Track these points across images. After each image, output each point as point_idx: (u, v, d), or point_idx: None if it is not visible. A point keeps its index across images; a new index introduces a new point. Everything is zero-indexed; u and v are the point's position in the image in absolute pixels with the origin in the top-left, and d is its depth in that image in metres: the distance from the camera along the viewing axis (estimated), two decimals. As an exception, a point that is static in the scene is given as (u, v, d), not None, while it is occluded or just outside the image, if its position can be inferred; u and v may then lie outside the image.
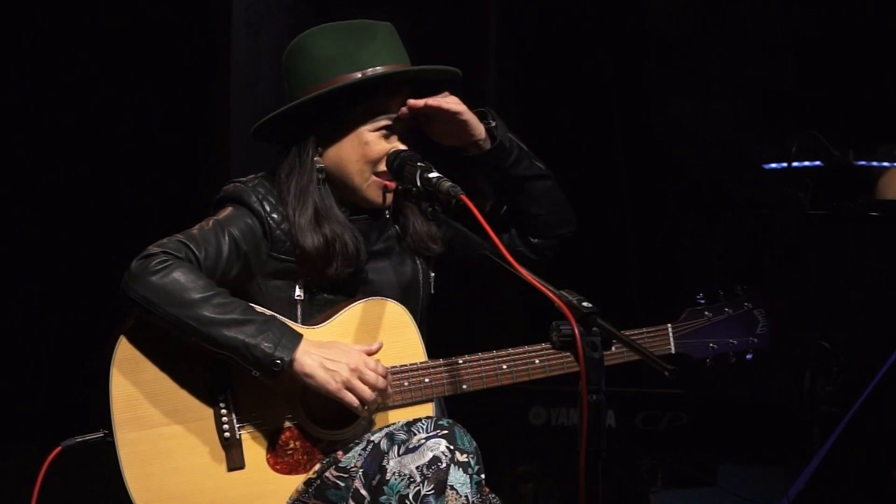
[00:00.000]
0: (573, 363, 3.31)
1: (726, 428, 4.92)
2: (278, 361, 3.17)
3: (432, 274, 3.52)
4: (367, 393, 3.24)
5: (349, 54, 3.34)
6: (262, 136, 3.44)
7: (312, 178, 3.36)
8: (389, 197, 3.39)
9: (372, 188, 3.37)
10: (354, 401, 3.23)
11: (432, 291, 3.52)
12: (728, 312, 3.58)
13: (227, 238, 3.30)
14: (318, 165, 3.37)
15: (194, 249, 3.26)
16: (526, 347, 3.41)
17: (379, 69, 3.33)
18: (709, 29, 6.27)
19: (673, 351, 3.52)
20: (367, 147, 3.36)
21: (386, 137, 3.37)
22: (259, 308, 3.29)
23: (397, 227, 3.48)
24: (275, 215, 3.35)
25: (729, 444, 4.94)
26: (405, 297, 3.42)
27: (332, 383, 3.22)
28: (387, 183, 3.36)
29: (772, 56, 6.17)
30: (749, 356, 3.58)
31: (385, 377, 3.27)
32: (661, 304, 5.86)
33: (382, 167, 3.36)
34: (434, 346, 3.48)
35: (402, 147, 3.36)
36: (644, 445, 5.02)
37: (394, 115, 3.37)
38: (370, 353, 3.29)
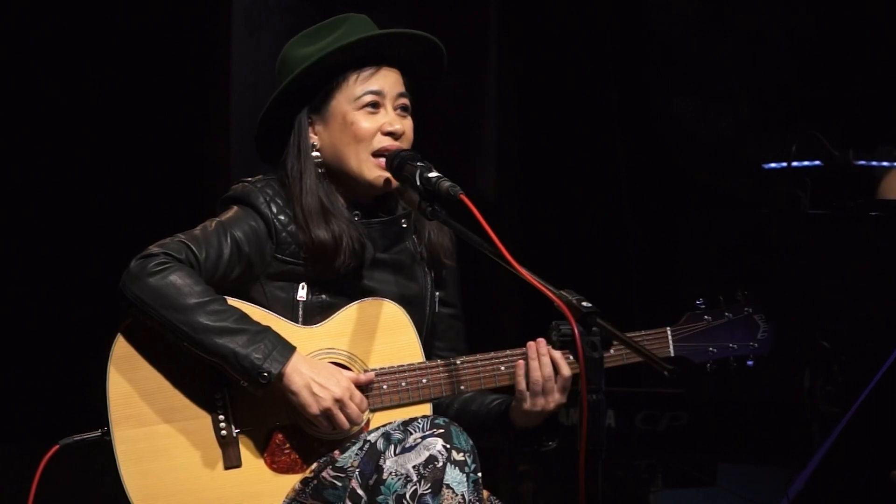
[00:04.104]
0: (571, 363, 3.32)
1: (726, 428, 4.92)
2: (265, 374, 3.17)
3: (437, 293, 3.50)
4: (345, 425, 3.23)
5: (325, 44, 3.35)
6: (268, 157, 3.43)
7: (313, 174, 3.36)
8: (391, 181, 3.36)
9: (369, 167, 3.34)
10: (328, 428, 3.24)
11: (437, 310, 3.50)
12: (728, 317, 3.56)
13: (229, 240, 3.29)
14: (316, 160, 3.37)
15: (195, 250, 3.25)
16: (523, 348, 3.39)
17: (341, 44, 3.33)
18: (709, 29, 6.27)
19: (672, 354, 3.49)
20: (353, 127, 3.34)
21: (372, 114, 3.36)
22: (259, 312, 3.29)
23: (415, 238, 3.45)
24: (282, 217, 3.34)
25: (729, 444, 4.94)
26: (409, 312, 3.41)
27: (313, 407, 3.21)
28: (382, 162, 3.35)
29: (772, 56, 6.18)
30: (750, 362, 3.57)
31: (363, 410, 3.27)
32: (661, 303, 5.87)
33: (378, 145, 3.35)
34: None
35: (395, 124, 3.34)
36: (644, 445, 5.02)
37: (375, 89, 3.36)
38: (359, 383, 3.29)
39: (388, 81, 3.38)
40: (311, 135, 3.39)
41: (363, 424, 3.28)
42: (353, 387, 3.25)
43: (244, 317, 3.23)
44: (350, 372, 3.29)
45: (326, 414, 3.22)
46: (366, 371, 3.31)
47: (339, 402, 3.22)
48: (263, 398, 3.24)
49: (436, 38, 3.44)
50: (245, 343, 3.17)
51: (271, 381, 3.18)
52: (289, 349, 3.21)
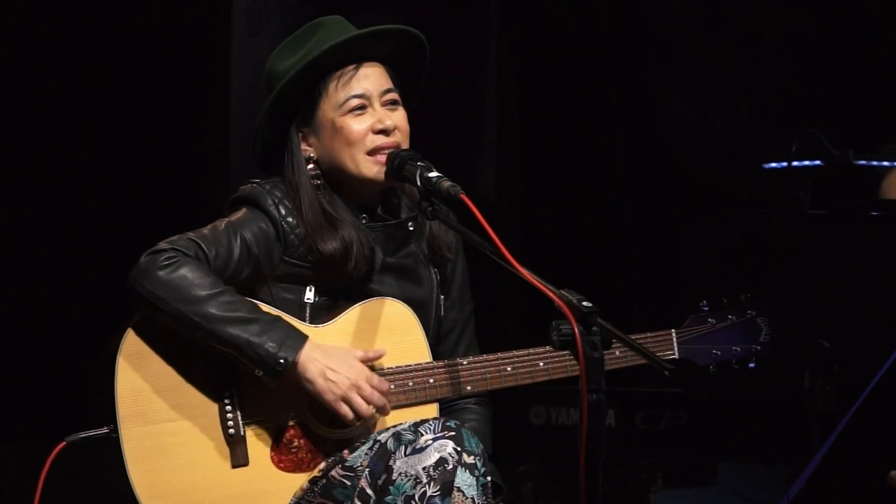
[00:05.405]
0: (576, 366, 3.31)
1: (726, 427, 4.92)
2: (282, 361, 3.17)
3: (442, 297, 3.50)
4: (363, 408, 3.23)
5: (301, 55, 3.34)
6: (268, 169, 3.43)
7: (309, 188, 3.35)
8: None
9: (367, 165, 3.33)
10: (349, 413, 3.23)
11: (442, 313, 3.49)
12: (731, 320, 3.57)
13: (238, 241, 3.29)
14: (311, 172, 3.37)
15: (205, 248, 3.25)
16: (529, 350, 3.39)
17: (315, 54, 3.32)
18: (708, 29, 6.27)
19: (676, 356, 3.51)
20: (344, 132, 3.33)
21: (360, 116, 3.35)
22: (267, 307, 3.29)
23: (421, 239, 3.44)
24: (290, 219, 3.33)
25: (729, 443, 4.94)
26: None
27: (329, 394, 3.22)
28: (380, 158, 3.34)
29: (772, 56, 6.18)
30: (752, 364, 3.58)
31: (384, 394, 3.26)
32: (661, 303, 5.87)
33: (372, 145, 3.34)
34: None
35: (386, 120, 3.34)
36: (644, 445, 5.02)
37: (358, 93, 3.35)
38: (368, 360, 3.28)
39: (370, 80, 3.37)
40: (305, 147, 3.39)
41: (386, 409, 3.27)
42: (367, 371, 3.25)
43: (256, 306, 3.24)
44: (359, 352, 3.29)
45: (344, 398, 3.22)
46: (373, 370, 3.31)
47: (355, 385, 3.22)
48: (272, 396, 3.25)
49: (409, 28, 3.42)
50: (258, 332, 3.18)
51: (287, 369, 3.18)
52: (301, 336, 3.21)
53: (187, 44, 5.52)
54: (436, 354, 3.43)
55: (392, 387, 3.30)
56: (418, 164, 3.26)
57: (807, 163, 4.77)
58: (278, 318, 3.23)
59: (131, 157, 5.40)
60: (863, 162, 4.81)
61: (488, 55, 6.37)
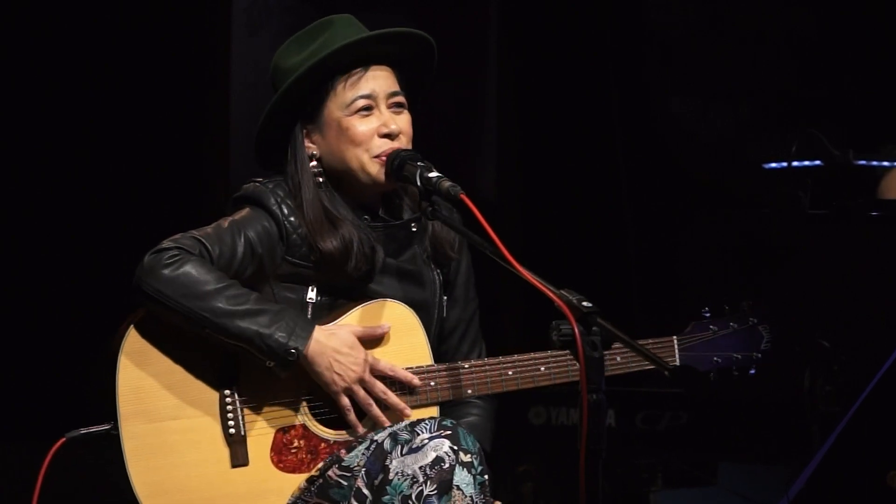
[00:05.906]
0: (577, 371, 3.32)
1: (726, 427, 4.93)
2: (293, 350, 3.18)
3: (444, 297, 3.51)
4: (365, 400, 3.25)
5: (310, 53, 3.34)
6: (270, 167, 3.43)
7: (312, 185, 3.36)
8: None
9: (372, 165, 3.34)
10: (348, 405, 3.25)
11: (444, 314, 3.50)
12: (733, 327, 3.58)
13: (242, 239, 3.29)
14: (314, 170, 3.37)
15: (209, 246, 3.25)
16: (532, 354, 3.39)
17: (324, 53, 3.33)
18: (709, 29, 6.28)
19: (678, 362, 3.52)
20: (349, 132, 3.34)
21: (366, 117, 3.35)
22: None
23: (423, 241, 3.44)
24: (293, 218, 3.33)
25: (729, 443, 4.94)
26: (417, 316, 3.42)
27: (332, 385, 3.24)
28: (383, 160, 3.34)
29: (772, 56, 6.18)
30: (752, 371, 3.59)
31: (404, 380, 3.28)
32: (661, 303, 5.87)
33: (377, 149, 3.35)
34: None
35: (391, 124, 3.34)
36: (644, 445, 5.02)
37: (366, 93, 3.36)
38: (375, 370, 3.29)
39: (377, 82, 3.37)
40: (309, 144, 3.39)
41: (390, 400, 3.28)
42: (375, 359, 3.27)
43: (261, 297, 3.25)
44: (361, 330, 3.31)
45: (348, 392, 3.24)
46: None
47: (360, 379, 3.24)
48: (274, 397, 3.26)
49: (419, 31, 3.43)
50: (267, 323, 3.19)
51: (298, 358, 3.19)
52: (309, 324, 3.23)
53: (187, 44, 5.52)
54: (439, 353, 3.44)
55: (394, 389, 3.31)
56: (418, 164, 3.26)
57: (807, 163, 4.78)
58: (285, 308, 3.25)
59: (132, 157, 5.40)
60: (863, 162, 4.81)
61: (488, 55, 6.37)
